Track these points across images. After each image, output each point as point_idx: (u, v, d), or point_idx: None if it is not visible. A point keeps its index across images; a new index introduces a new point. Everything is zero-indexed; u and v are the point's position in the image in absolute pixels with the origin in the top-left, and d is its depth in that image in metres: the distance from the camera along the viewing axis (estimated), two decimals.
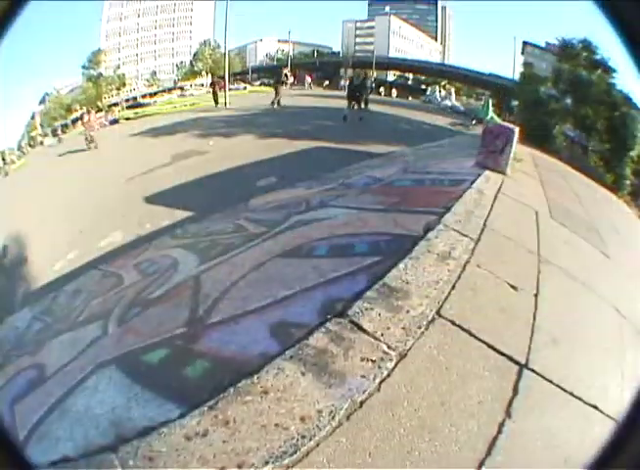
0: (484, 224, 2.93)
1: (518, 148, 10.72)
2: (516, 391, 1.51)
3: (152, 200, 4.99)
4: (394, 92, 22.26)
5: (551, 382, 1.64)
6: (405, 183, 4.45)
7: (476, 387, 1.43)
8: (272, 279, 2.02)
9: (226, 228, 3.31)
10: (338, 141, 8.02)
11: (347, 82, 17.86)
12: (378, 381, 1.18)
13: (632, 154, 17.25)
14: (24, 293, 3.92)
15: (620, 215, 9.08)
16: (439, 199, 3.32)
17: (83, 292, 2.83)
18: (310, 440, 1.00)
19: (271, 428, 1.01)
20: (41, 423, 1.37)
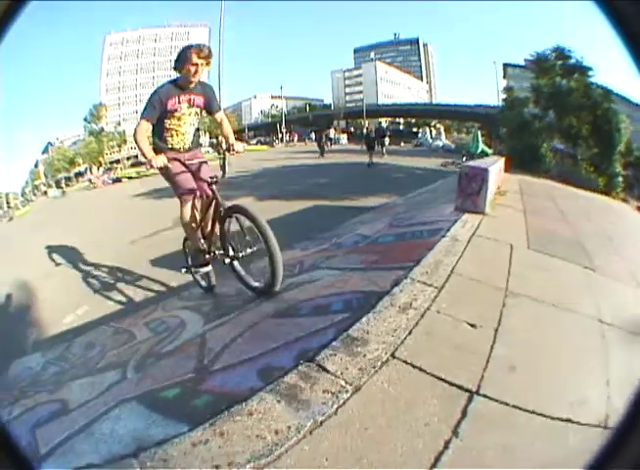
0: (452, 271, 3.03)
1: (505, 177, 11.07)
2: (464, 414, 1.61)
3: (156, 262, 5.26)
4: (387, 140, 22.88)
5: (506, 404, 1.70)
6: (388, 239, 4.57)
7: (423, 412, 1.59)
8: (264, 335, 2.40)
9: (228, 291, 3.66)
10: (333, 199, 8.45)
11: (365, 135, 19.77)
12: (335, 407, 1.56)
13: (620, 148, 17.62)
14: (33, 341, 4.04)
15: (614, 218, 9.23)
16: (413, 253, 3.42)
17: (97, 345, 3.19)
18: (281, 447, 1.37)
19: (254, 438, 1.40)
20: (67, 441, 1.71)
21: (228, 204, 3.19)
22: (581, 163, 18.41)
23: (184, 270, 3.82)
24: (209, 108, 3.49)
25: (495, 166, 6.94)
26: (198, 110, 3.46)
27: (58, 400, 2.30)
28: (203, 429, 1.44)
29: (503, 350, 2.09)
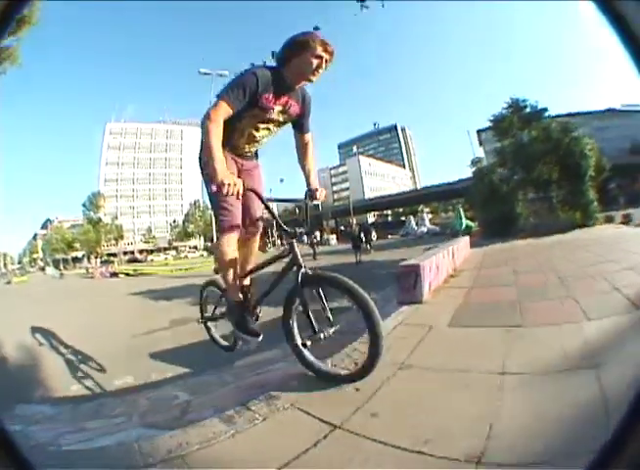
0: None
1: (470, 253, 11.48)
2: (325, 437, 2.25)
3: (155, 356, 6.28)
4: (374, 235, 23.65)
5: (357, 434, 2.22)
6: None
7: (300, 433, 2.41)
8: (226, 397, 3.72)
9: (215, 380, 4.77)
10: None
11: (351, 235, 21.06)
12: (250, 425, 2.81)
13: (590, 172, 17.58)
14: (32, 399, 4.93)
15: (582, 252, 9.61)
16: (343, 346, 3.85)
17: (104, 407, 4.43)
18: (215, 440, 2.69)
19: (203, 435, 2.74)
20: (84, 441, 3.00)
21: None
22: (558, 205, 18.84)
23: (201, 321, 4.00)
24: (301, 124, 2.80)
25: (442, 255, 7.85)
26: (288, 119, 2.74)
27: (72, 425, 3.56)
28: (177, 431, 2.81)
29: (373, 403, 2.62)
